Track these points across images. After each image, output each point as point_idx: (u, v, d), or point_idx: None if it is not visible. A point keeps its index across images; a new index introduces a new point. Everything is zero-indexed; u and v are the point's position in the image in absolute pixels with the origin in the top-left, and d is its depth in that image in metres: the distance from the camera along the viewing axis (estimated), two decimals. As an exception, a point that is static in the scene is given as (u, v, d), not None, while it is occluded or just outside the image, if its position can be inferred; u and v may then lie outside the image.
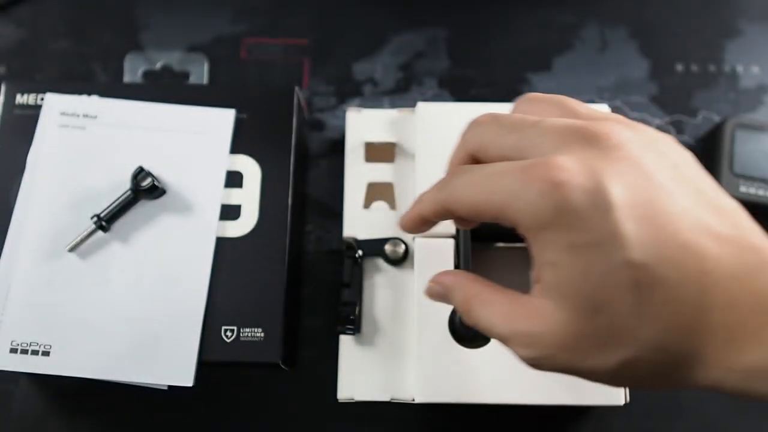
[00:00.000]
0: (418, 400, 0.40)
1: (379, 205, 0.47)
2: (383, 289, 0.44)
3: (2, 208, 0.46)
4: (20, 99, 0.49)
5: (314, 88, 0.57)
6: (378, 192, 0.47)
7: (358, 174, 0.47)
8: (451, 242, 0.43)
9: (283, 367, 0.45)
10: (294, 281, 0.49)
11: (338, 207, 0.53)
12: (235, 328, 0.44)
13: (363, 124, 0.48)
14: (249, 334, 0.44)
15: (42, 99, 0.49)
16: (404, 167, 0.47)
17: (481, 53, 0.58)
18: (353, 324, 0.42)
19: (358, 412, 0.49)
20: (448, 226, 0.42)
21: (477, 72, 0.57)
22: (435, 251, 0.43)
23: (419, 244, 0.43)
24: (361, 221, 0.46)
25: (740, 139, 0.51)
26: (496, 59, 0.58)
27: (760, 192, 0.50)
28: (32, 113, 0.49)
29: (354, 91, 0.56)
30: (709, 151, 0.52)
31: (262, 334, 0.44)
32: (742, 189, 0.50)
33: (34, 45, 0.58)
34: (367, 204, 0.46)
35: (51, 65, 0.57)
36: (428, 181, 0.41)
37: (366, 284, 0.44)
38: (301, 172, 0.52)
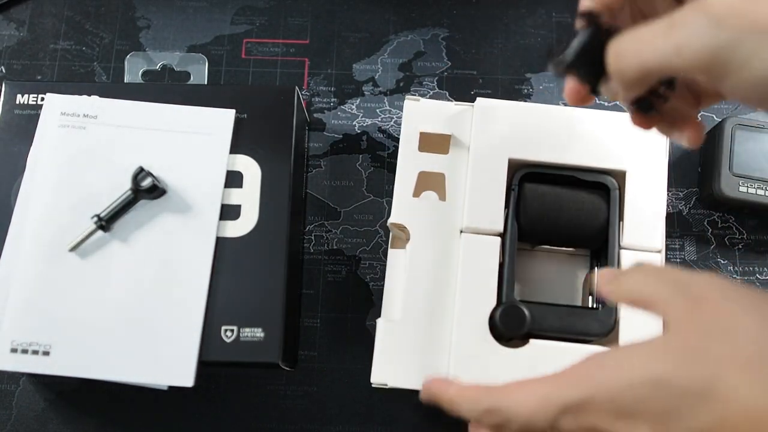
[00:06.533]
0: None
1: (429, 195, 0.47)
2: (426, 277, 0.44)
3: (2, 208, 0.46)
4: (20, 99, 0.49)
5: (314, 88, 0.57)
6: (429, 182, 0.47)
7: (411, 162, 0.47)
8: (497, 240, 0.44)
9: (283, 367, 0.45)
10: (293, 281, 0.49)
11: (338, 207, 0.54)
12: (235, 328, 0.44)
13: (419, 114, 0.48)
14: (249, 334, 0.44)
15: (42, 99, 0.49)
16: (458, 159, 0.47)
17: (481, 53, 0.58)
18: None
19: (357, 413, 0.49)
20: (495, 224, 0.44)
21: (477, 72, 0.57)
22: (481, 247, 0.44)
23: (466, 239, 0.44)
24: (409, 209, 0.46)
25: (739, 139, 0.51)
26: (496, 59, 0.58)
27: (760, 192, 0.50)
28: (32, 113, 0.49)
29: (354, 91, 0.56)
30: (709, 151, 0.52)
31: (262, 334, 0.44)
32: (742, 189, 0.50)
33: (34, 45, 0.58)
34: (416, 193, 0.46)
35: (51, 65, 0.57)
36: (482, 173, 0.44)
37: (410, 273, 0.45)
38: (301, 172, 0.53)
